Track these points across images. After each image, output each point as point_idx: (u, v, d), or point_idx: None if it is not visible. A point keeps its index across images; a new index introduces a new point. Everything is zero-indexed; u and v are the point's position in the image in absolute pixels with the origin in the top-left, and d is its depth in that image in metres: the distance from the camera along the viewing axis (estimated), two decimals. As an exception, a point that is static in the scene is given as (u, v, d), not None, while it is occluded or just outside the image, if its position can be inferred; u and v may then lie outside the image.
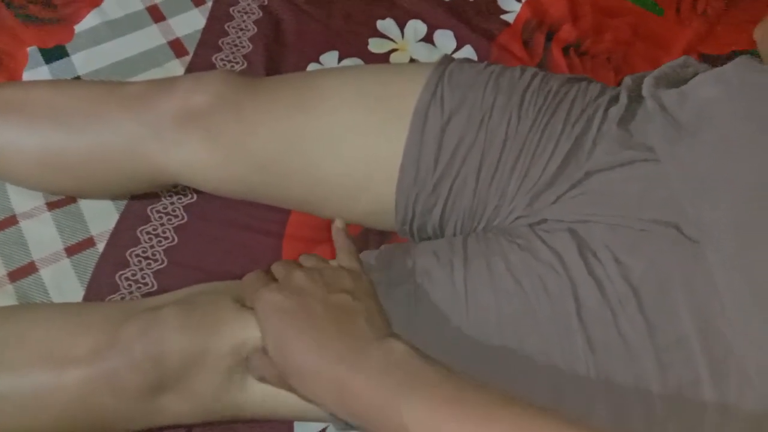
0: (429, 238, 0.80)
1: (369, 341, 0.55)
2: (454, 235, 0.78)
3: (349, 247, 0.66)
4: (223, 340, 0.65)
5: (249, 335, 0.64)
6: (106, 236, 0.89)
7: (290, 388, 0.58)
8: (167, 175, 0.80)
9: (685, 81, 0.74)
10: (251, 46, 1.07)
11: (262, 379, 0.63)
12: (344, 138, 0.75)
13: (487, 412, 0.48)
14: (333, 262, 0.65)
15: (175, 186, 0.91)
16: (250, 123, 0.76)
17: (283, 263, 0.64)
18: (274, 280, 0.62)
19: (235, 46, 1.07)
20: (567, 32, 1.11)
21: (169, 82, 0.81)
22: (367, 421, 0.53)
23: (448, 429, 0.47)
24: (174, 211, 0.91)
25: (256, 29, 1.09)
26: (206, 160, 0.77)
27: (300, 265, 0.64)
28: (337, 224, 0.68)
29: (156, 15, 1.09)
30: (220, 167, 0.78)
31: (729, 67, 0.72)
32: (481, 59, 1.06)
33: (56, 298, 0.85)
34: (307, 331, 0.56)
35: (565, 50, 1.10)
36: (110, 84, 0.84)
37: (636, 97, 0.75)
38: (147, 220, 0.90)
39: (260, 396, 0.68)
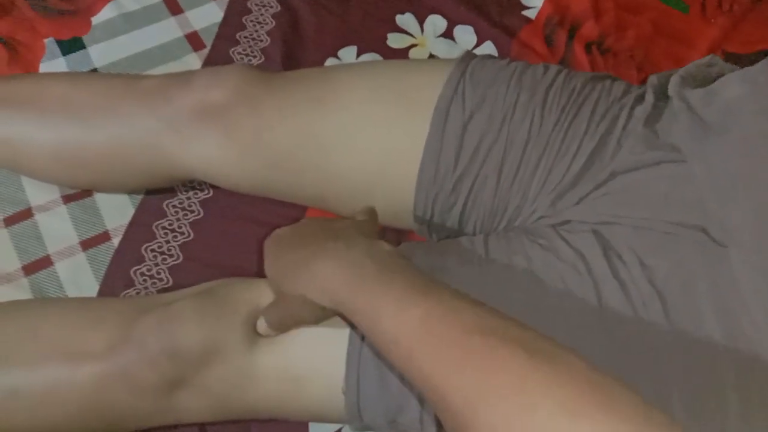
0: (447, 237, 0.79)
1: (354, 238, 0.60)
2: (474, 234, 0.77)
3: (369, 209, 0.71)
4: (238, 333, 0.64)
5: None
6: (122, 231, 0.89)
7: (293, 318, 0.62)
8: (183, 170, 0.80)
9: (712, 80, 0.73)
10: (269, 39, 1.06)
11: (266, 331, 0.64)
12: (361, 134, 0.75)
13: (453, 302, 0.49)
14: None
15: (191, 181, 0.91)
16: (267, 117, 0.76)
17: None
18: None
19: (253, 39, 1.07)
20: (589, 29, 1.10)
21: (185, 76, 0.80)
22: (349, 311, 0.55)
23: (414, 314, 0.48)
24: (190, 206, 0.91)
25: (274, 23, 1.08)
26: (222, 155, 0.77)
27: None
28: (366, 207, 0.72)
29: (173, 8, 1.09)
30: (236, 162, 0.77)
31: (756, 67, 0.71)
32: (501, 56, 1.04)
33: (71, 293, 0.84)
34: (296, 242, 0.63)
35: (587, 47, 1.09)
36: (126, 78, 0.83)
37: (662, 97, 0.74)
38: (163, 215, 0.90)
39: (276, 395, 0.67)
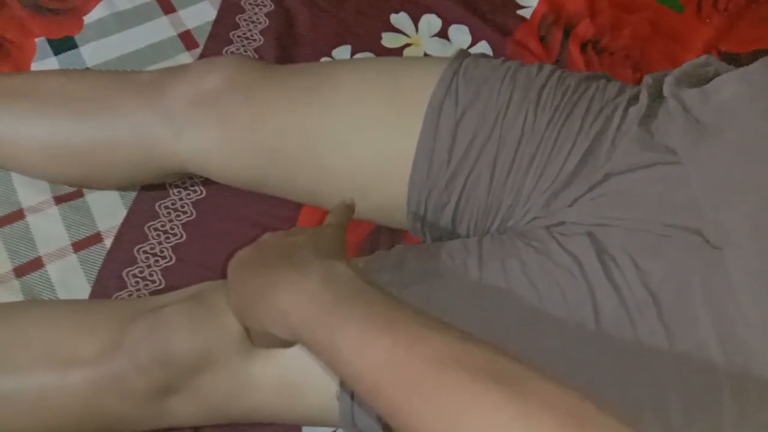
0: (441, 238, 0.79)
1: (309, 262, 0.55)
2: (468, 234, 0.76)
3: (340, 210, 0.68)
4: (229, 337, 0.64)
5: None
6: (114, 232, 0.88)
7: (262, 341, 0.61)
8: (176, 162, 0.79)
9: (707, 80, 0.73)
10: (263, 39, 1.06)
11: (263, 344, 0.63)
12: (355, 130, 0.74)
13: (418, 332, 0.46)
14: None
15: (183, 177, 0.91)
16: (261, 107, 0.76)
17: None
18: None
19: (247, 39, 1.06)
20: (584, 28, 1.10)
21: (181, 68, 0.81)
22: (309, 344, 0.52)
23: (379, 347, 0.46)
24: (183, 207, 0.90)
25: (267, 22, 1.07)
26: (216, 143, 0.77)
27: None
28: (346, 199, 0.70)
29: (166, 6, 1.08)
30: (229, 150, 0.77)
31: (752, 67, 0.71)
32: (496, 55, 1.04)
33: (63, 295, 0.84)
34: (255, 269, 0.58)
35: (583, 47, 1.08)
36: (122, 73, 0.84)
37: (657, 97, 0.74)
38: (155, 216, 0.89)
39: (269, 398, 0.67)
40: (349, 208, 0.69)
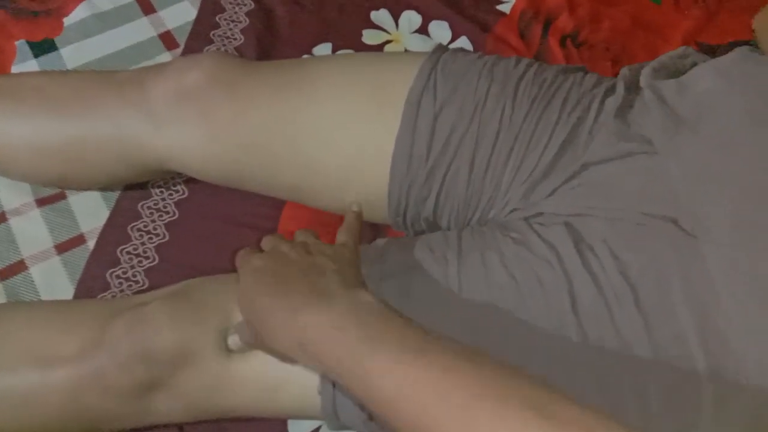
0: (423, 231, 0.79)
1: (335, 292, 0.54)
2: (449, 227, 0.77)
3: (351, 224, 0.67)
4: (210, 333, 0.64)
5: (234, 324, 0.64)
6: (97, 233, 0.88)
7: (268, 349, 0.58)
8: (157, 158, 0.79)
9: (684, 71, 0.73)
10: (243, 38, 1.06)
11: (237, 347, 0.63)
12: (336, 125, 0.75)
13: (451, 362, 0.46)
14: None
15: (166, 176, 0.91)
16: (243, 102, 0.76)
17: (273, 237, 0.65)
18: None
19: (227, 38, 1.06)
20: (564, 22, 1.10)
21: (162, 65, 0.81)
22: (332, 370, 0.51)
23: (411, 379, 0.46)
24: (165, 207, 0.90)
25: (248, 21, 1.08)
26: (197, 139, 0.77)
27: (290, 240, 0.64)
28: (354, 207, 0.69)
29: (146, 7, 1.08)
30: (210, 146, 0.77)
31: (728, 57, 0.72)
32: (476, 51, 1.04)
33: (46, 297, 0.84)
34: (276, 285, 0.56)
35: (562, 41, 1.09)
36: (103, 72, 0.83)
37: (633, 88, 0.74)
38: (138, 216, 0.89)
39: (252, 394, 0.67)
40: (358, 218, 0.68)
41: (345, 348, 0.49)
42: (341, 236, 0.65)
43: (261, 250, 0.64)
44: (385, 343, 0.48)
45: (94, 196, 0.90)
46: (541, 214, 0.69)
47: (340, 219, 0.87)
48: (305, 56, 1.05)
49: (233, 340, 0.64)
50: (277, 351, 0.57)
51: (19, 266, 0.85)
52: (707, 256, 0.61)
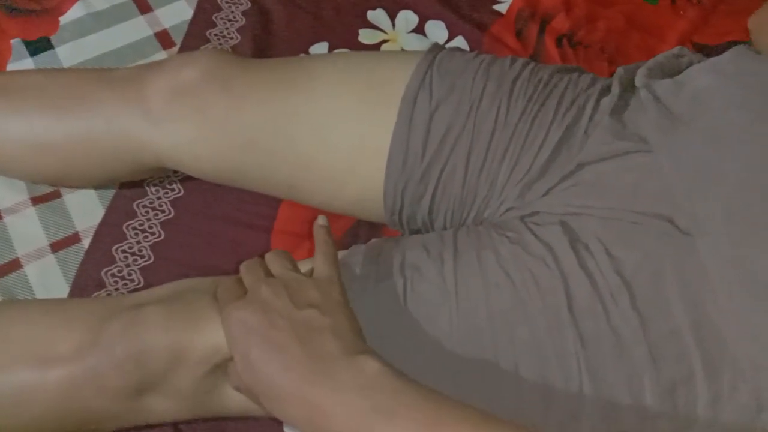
0: (419, 230, 0.79)
1: (336, 360, 0.53)
2: (444, 226, 0.77)
3: (327, 249, 0.63)
4: (205, 337, 0.64)
5: None
6: (92, 232, 0.88)
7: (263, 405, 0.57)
8: (153, 155, 0.79)
9: (680, 71, 0.74)
10: (239, 37, 1.06)
11: (238, 389, 0.61)
12: (331, 123, 0.75)
13: None
14: (309, 262, 0.64)
15: (161, 174, 0.91)
16: (238, 99, 0.76)
17: (250, 269, 0.62)
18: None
19: (224, 37, 1.06)
20: (560, 22, 1.10)
21: (158, 62, 0.81)
22: None
23: None
24: (161, 206, 0.90)
25: (244, 20, 1.08)
26: (193, 136, 0.77)
27: (267, 269, 0.62)
28: (320, 221, 0.66)
29: (142, 6, 1.08)
30: (206, 143, 0.77)
31: (724, 56, 0.72)
32: (473, 50, 1.04)
33: (41, 295, 0.84)
34: (272, 352, 0.54)
35: (558, 41, 1.09)
36: (99, 69, 0.84)
37: (629, 88, 0.74)
38: (133, 215, 0.89)
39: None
40: (329, 235, 0.65)
41: (357, 423, 0.49)
42: (321, 267, 0.62)
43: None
44: (399, 417, 0.48)
45: (90, 194, 0.90)
46: (536, 213, 0.69)
47: (337, 218, 0.87)
48: (301, 56, 1.05)
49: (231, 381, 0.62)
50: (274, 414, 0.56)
51: (14, 264, 0.85)
52: (703, 253, 0.61)
